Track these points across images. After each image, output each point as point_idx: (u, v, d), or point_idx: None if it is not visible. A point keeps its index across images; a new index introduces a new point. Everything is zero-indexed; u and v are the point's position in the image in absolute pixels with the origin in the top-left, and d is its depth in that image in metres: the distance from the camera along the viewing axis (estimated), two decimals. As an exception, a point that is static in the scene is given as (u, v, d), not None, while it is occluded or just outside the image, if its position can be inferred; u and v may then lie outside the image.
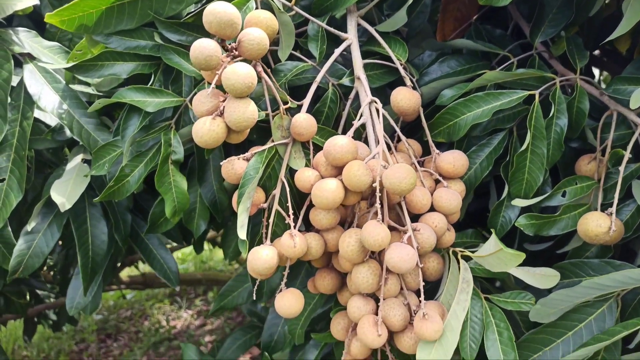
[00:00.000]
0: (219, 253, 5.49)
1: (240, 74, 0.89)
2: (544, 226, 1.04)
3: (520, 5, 1.36)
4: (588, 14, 1.14)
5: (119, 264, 2.76)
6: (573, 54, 1.11)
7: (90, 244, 1.27)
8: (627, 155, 1.01)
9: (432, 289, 1.19)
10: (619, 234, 1.00)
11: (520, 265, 1.23)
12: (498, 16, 1.47)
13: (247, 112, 0.91)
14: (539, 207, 1.10)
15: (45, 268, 3.09)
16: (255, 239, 1.09)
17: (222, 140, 0.94)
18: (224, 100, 0.95)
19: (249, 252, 0.97)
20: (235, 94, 0.91)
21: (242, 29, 0.96)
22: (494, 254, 0.88)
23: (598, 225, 0.96)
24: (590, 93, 1.11)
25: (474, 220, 1.43)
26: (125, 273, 4.17)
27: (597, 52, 1.54)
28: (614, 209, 0.97)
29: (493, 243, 0.84)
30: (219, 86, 0.97)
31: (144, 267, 3.84)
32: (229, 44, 0.96)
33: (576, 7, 1.14)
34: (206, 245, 5.48)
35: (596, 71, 1.83)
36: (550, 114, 1.05)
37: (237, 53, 0.96)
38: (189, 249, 5.56)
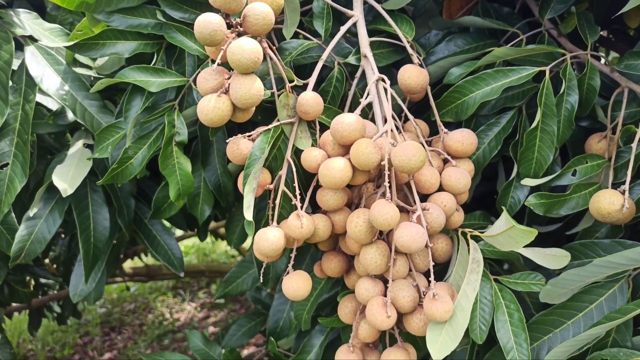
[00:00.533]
0: (221, 245, 5.49)
1: (246, 48, 0.87)
2: (554, 205, 1.03)
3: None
4: (598, -10, 1.12)
5: (122, 255, 2.76)
6: (584, 29, 1.09)
7: (92, 230, 1.26)
8: (640, 132, 0.99)
9: (440, 272, 1.17)
10: (631, 212, 0.98)
11: (530, 246, 1.22)
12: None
13: (253, 89, 0.89)
14: (548, 187, 1.08)
15: (48, 260, 3.09)
16: (260, 223, 1.08)
17: (228, 118, 0.92)
18: (229, 78, 0.94)
19: (254, 234, 0.96)
20: (241, 69, 0.89)
21: (247, 4, 0.94)
22: (505, 232, 0.86)
23: (611, 202, 0.94)
24: (600, 70, 1.09)
25: (481, 205, 1.41)
26: (128, 265, 4.16)
27: (604, 33, 1.51)
28: (627, 186, 0.95)
29: (504, 220, 0.82)
30: (224, 64, 0.96)
31: (148, 259, 3.83)
32: (234, 20, 0.94)
33: (586, -17, 1.11)
34: (209, 238, 5.49)
35: (603, 54, 1.80)
36: (561, 91, 1.03)
37: (242, 29, 0.94)
38: (192, 242, 5.57)
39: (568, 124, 1.05)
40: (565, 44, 1.19)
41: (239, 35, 0.95)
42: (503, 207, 0.83)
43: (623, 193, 0.95)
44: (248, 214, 0.93)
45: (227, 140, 0.96)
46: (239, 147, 0.98)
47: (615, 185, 1.03)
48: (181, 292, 4.89)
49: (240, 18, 0.93)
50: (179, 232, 3.76)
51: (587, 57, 1.06)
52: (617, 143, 1.06)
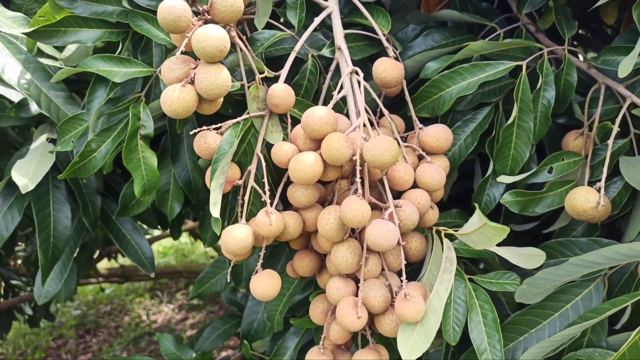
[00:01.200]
0: (200, 246, 5.42)
1: (212, 36, 0.83)
2: (530, 203, 1.01)
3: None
4: (576, -15, 1.11)
5: (95, 255, 2.68)
6: (561, 24, 1.08)
7: (52, 229, 1.20)
8: (616, 129, 0.98)
9: (414, 271, 1.15)
10: (606, 210, 0.97)
11: (506, 245, 1.20)
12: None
13: (219, 79, 0.85)
14: (524, 184, 1.06)
15: (20, 261, 2.99)
16: (231, 220, 1.04)
17: (193, 109, 0.88)
18: (195, 67, 0.89)
19: (222, 231, 0.92)
20: (207, 58, 0.85)
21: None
22: (478, 229, 0.83)
23: (586, 200, 0.92)
24: (577, 66, 1.08)
25: (458, 203, 1.39)
26: (104, 266, 4.07)
27: (583, 31, 1.51)
28: (602, 183, 0.94)
29: (477, 218, 0.80)
30: (191, 54, 0.91)
31: (124, 260, 3.75)
32: (201, 7, 0.90)
33: (564, -22, 1.10)
34: (187, 238, 5.41)
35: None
36: (538, 86, 1.02)
37: (209, 17, 0.90)
38: (170, 242, 5.48)
39: (545, 120, 1.03)
40: (543, 39, 1.18)
41: (206, 22, 0.91)
42: (476, 205, 0.80)
43: (599, 190, 0.93)
44: (214, 210, 0.89)
45: (193, 132, 0.92)
46: (206, 140, 0.94)
47: (591, 183, 1.01)
48: (159, 293, 4.80)
49: (207, 5, 0.89)
50: (157, 232, 3.68)
51: (565, 53, 1.05)
52: (594, 140, 1.05)
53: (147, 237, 3.12)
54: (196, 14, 0.90)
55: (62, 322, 4.45)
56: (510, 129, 1.02)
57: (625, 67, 0.89)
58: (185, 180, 1.19)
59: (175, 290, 4.85)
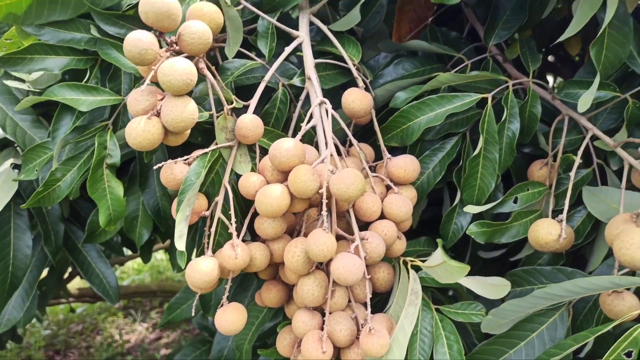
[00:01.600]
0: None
1: (178, 69, 0.83)
2: (495, 234, 1.02)
3: (476, 8, 1.36)
4: (541, 17, 1.14)
5: (66, 276, 2.62)
6: (526, 57, 1.10)
7: (11, 258, 1.16)
8: (578, 160, 1.00)
9: (383, 300, 1.14)
10: (569, 241, 0.99)
11: (475, 273, 1.20)
12: (454, 18, 1.46)
13: (185, 112, 0.85)
14: (491, 213, 1.08)
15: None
16: (200, 249, 1.03)
17: (158, 142, 0.87)
18: (162, 99, 0.89)
19: (187, 264, 0.91)
20: (173, 91, 0.84)
21: (183, 21, 0.90)
22: (440, 264, 0.84)
23: (548, 232, 0.94)
24: (543, 97, 1.11)
25: (429, 229, 1.40)
26: (75, 285, 3.97)
27: (551, 58, 1.55)
28: (564, 215, 0.96)
29: (439, 254, 0.80)
30: (158, 83, 0.91)
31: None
32: (169, 38, 0.89)
33: (529, 9, 1.13)
34: (163, 255, 5.31)
35: (550, 78, 1.85)
36: (503, 118, 1.04)
37: (177, 47, 0.90)
38: (146, 259, 5.37)
39: (510, 152, 1.05)
40: (511, 69, 1.21)
41: (176, 53, 0.91)
42: (438, 241, 0.81)
43: (561, 222, 0.95)
44: (179, 243, 0.87)
45: (156, 167, 0.90)
46: (172, 172, 0.93)
47: (556, 212, 1.03)
48: (132, 312, 4.69)
49: (175, 36, 0.89)
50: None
51: (529, 85, 1.07)
52: (558, 170, 1.07)
53: (121, 257, 3.06)
54: (166, 43, 0.90)
55: (31, 343, 4.31)
56: (476, 160, 1.04)
57: (584, 102, 0.92)
58: (154, 208, 1.17)
59: (149, 309, 4.75)
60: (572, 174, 0.99)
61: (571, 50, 1.27)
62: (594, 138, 1.05)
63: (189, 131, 0.92)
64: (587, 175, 1.07)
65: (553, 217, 1.02)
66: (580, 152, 1.02)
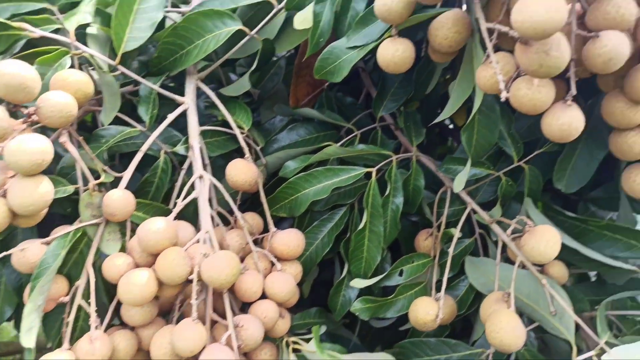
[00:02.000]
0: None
1: (27, 150, 0.75)
2: (380, 309, 1.02)
3: (372, 73, 1.38)
4: (425, 91, 1.17)
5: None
6: (410, 131, 1.13)
7: None
8: (457, 234, 1.03)
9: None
10: (450, 316, 1.00)
11: (368, 340, 1.19)
12: (355, 80, 1.48)
13: (35, 194, 0.76)
14: (378, 286, 1.07)
15: None
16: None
17: (5, 225, 0.78)
18: (13, 176, 0.80)
19: None
20: (22, 172, 0.76)
21: (45, 91, 0.83)
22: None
23: (426, 313, 0.95)
24: (429, 167, 1.13)
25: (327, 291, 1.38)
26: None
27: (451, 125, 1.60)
28: (442, 293, 0.97)
29: (315, 345, 0.78)
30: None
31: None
32: (26, 109, 0.82)
33: (415, 83, 1.16)
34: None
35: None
36: (387, 193, 1.05)
37: (36, 119, 0.82)
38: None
39: (394, 225, 1.06)
40: (402, 137, 1.23)
41: (34, 124, 0.83)
42: (313, 330, 0.78)
43: (438, 301, 0.96)
44: (26, 340, 0.78)
45: (2, 255, 0.81)
46: (24, 255, 0.83)
47: (439, 283, 1.04)
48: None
49: (33, 108, 0.81)
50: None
51: (413, 160, 1.10)
52: (440, 242, 1.09)
53: None
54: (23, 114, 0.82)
55: None
56: (362, 233, 1.04)
57: (458, 183, 0.94)
58: (16, 284, 1.05)
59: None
60: (450, 249, 1.01)
61: (458, 121, 1.33)
62: (474, 211, 1.09)
63: (44, 211, 0.83)
64: (470, 245, 1.10)
65: (437, 288, 1.03)
66: (460, 225, 1.05)
